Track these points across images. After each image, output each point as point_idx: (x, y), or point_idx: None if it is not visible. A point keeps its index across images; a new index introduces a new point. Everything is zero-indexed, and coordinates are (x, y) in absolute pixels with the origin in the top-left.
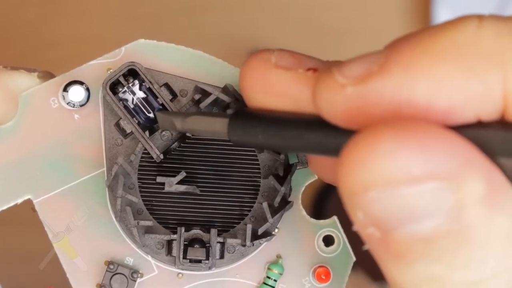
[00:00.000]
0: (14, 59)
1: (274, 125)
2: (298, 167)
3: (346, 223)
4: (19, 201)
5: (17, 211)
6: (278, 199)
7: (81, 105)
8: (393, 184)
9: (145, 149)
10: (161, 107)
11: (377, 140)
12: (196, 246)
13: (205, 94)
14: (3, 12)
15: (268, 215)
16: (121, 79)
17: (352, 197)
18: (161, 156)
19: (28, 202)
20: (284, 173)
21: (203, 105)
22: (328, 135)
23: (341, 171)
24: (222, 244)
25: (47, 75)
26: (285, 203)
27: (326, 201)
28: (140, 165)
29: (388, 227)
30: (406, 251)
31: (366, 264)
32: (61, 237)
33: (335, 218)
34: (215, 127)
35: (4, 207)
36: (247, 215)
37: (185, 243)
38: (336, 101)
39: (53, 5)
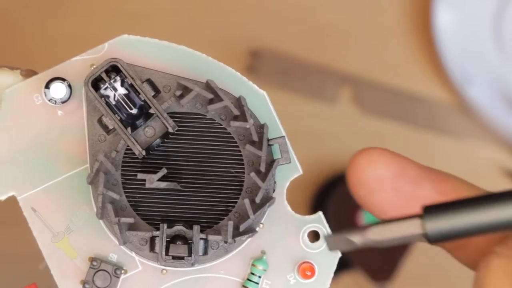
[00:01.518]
0: (14, 59)
1: (473, 206)
2: (280, 163)
3: (347, 220)
4: (3, 197)
5: (17, 211)
6: (260, 195)
7: (63, 102)
8: None
9: (128, 146)
10: (143, 103)
11: None
12: (179, 242)
13: (186, 90)
14: (3, 13)
15: (250, 212)
16: (103, 75)
17: None
18: (144, 153)
19: (27, 202)
20: (267, 169)
21: (184, 101)
22: None
23: None
24: (206, 240)
25: (30, 73)
26: (267, 199)
27: (326, 199)
28: (123, 162)
29: None
30: None
31: (366, 264)
32: (61, 237)
33: (320, 213)
34: (405, 231)
35: None
36: (231, 211)
37: (167, 239)
38: None
39: (52, 5)
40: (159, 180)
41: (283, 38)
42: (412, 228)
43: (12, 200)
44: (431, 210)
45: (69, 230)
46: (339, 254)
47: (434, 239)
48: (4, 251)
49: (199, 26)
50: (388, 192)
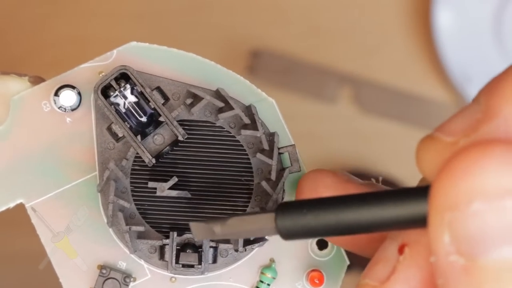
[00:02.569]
0: (14, 59)
1: (329, 206)
2: (291, 172)
3: None
4: (11, 205)
5: (17, 211)
6: (270, 204)
7: (73, 109)
8: (503, 196)
9: (137, 153)
10: (153, 111)
11: (491, 150)
12: (189, 251)
13: (196, 98)
14: (3, 13)
15: None
16: (113, 83)
17: (446, 214)
18: (153, 161)
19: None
20: (277, 177)
21: (195, 109)
22: (409, 202)
23: (441, 182)
24: (215, 248)
25: (37, 80)
26: None
27: None
28: (132, 169)
29: (477, 250)
30: (493, 279)
31: (366, 264)
32: (61, 237)
33: None
34: (260, 224)
35: None
36: None
37: (177, 247)
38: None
39: (52, 5)
40: (170, 188)
41: (283, 38)
42: (266, 222)
43: None
44: (284, 207)
45: (69, 230)
46: (347, 262)
47: (285, 235)
48: (4, 251)
49: (199, 26)
50: None
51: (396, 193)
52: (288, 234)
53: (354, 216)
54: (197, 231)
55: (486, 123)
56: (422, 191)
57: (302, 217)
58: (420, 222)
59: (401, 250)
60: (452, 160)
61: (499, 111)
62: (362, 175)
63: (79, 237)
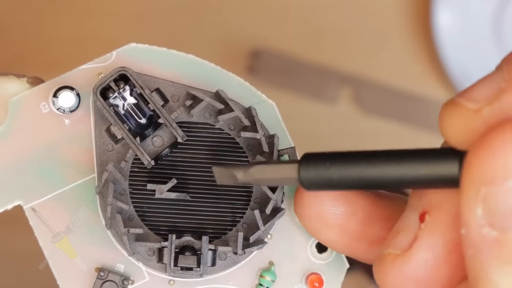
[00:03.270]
0: (13, 59)
1: (355, 162)
2: None
3: None
4: (9, 207)
5: (17, 211)
6: (270, 206)
7: (72, 111)
8: None
9: (136, 155)
10: (152, 113)
11: None
12: (187, 253)
13: (196, 99)
14: (2, 13)
15: (260, 223)
16: (112, 85)
17: (481, 188)
18: (152, 163)
19: (33, 211)
20: None
21: (194, 111)
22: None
23: (478, 156)
24: (214, 251)
25: (36, 81)
26: (277, 210)
27: None
28: (131, 171)
29: (511, 223)
30: None
31: (366, 264)
32: (61, 237)
33: None
34: (284, 173)
35: None
36: (239, 221)
37: (176, 250)
38: (474, 126)
39: (50, 5)
40: (169, 190)
41: (283, 38)
42: (289, 172)
43: None
44: (308, 158)
45: (69, 230)
46: (347, 265)
47: (307, 186)
48: (4, 251)
49: (200, 26)
50: (335, 231)
51: (422, 152)
52: (310, 185)
53: (379, 172)
54: (220, 175)
55: (509, 93)
56: (449, 153)
57: (325, 170)
58: (446, 182)
59: (422, 218)
60: (490, 134)
61: None
62: None
63: (77, 240)
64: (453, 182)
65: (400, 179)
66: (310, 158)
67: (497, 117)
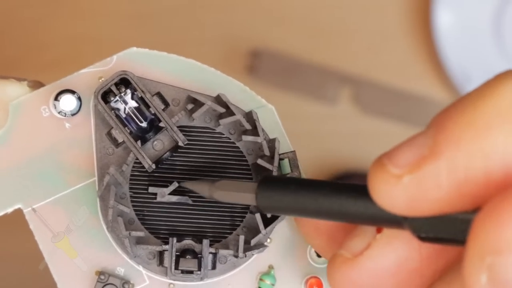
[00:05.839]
0: (12, 60)
1: (311, 193)
2: None
3: None
4: (9, 210)
5: (17, 211)
6: None
7: (73, 114)
8: None
9: (137, 159)
10: (153, 116)
11: None
12: (188, 256)
13: (197, 103)
14: (1, 13)
15: (261, 226)
16: (113, 88)
17: (487, 256)
18: (153, 166)
19: (33, 215)
20: None
21: (196, 115)
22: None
23: (483, 226)
24: (214, 254)
25: (36, 84)
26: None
27: None
28: (131, 175)
29: None
30: None
31: None
32: (61, 237)
33: None
34: (244, 192)
35: None
36: (239, 225)
37: (177, 253)
38: (395, 193)
39: (49, 6)
40: (170, 194)
41: (283, 38)
42: (249, 192)
43: None
44: (266, 182)
45: (69, 230)
46: None
47: (263, 208)
48: (4, 251)
49: (199, 26)
50: (324, 238)
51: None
52: (265, 208)
53: (331, 205)
54: (191, 186)
55: (430, 162)
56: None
57: (282, 197)
58: (390, 224)
59: (379, 229)
60: (496, 205)
61: (443, 151)
62: (362, 176)
63: (78, 242)
64: (398, 225)
65: (345, 214)
66: (269, 183)
67: (415, 187)
